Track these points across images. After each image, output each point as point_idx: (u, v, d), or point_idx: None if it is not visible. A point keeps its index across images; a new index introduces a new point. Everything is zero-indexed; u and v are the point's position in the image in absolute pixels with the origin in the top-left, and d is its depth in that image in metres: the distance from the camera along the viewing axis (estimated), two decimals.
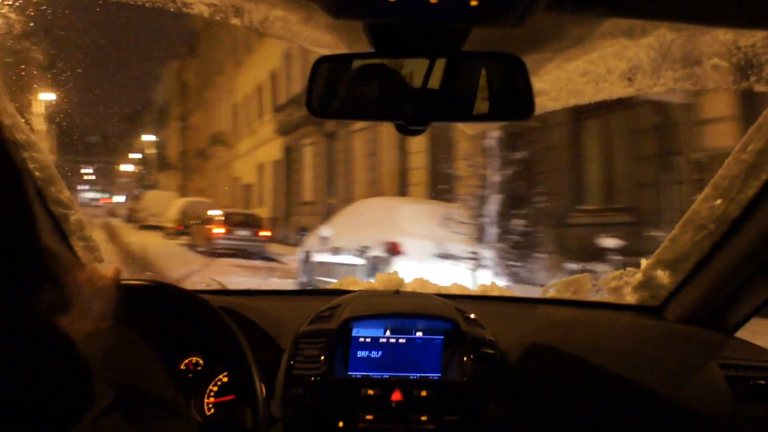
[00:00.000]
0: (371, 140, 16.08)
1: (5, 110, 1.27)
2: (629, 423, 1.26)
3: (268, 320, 1.33)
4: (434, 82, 0.99)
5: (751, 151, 1.28)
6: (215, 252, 15.42)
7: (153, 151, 55.90)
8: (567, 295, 2.02)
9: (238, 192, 28.14)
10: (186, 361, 1.16)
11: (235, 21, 1.22)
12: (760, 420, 1.25)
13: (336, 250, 8.90)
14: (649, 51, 1.24)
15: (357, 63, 0.99)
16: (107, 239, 21.06)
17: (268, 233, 16.62)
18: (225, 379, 1.14)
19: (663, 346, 1.41)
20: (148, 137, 56.27)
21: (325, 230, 9.61)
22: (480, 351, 1.23)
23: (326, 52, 1.05)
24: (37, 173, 1.29)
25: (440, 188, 12.05)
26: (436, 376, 1.22)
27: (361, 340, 1.24)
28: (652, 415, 1.25)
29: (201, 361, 1.17)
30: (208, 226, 16.45)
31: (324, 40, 1.14)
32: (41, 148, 1.31)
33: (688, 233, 1.46)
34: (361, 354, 1.23)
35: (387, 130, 15.36)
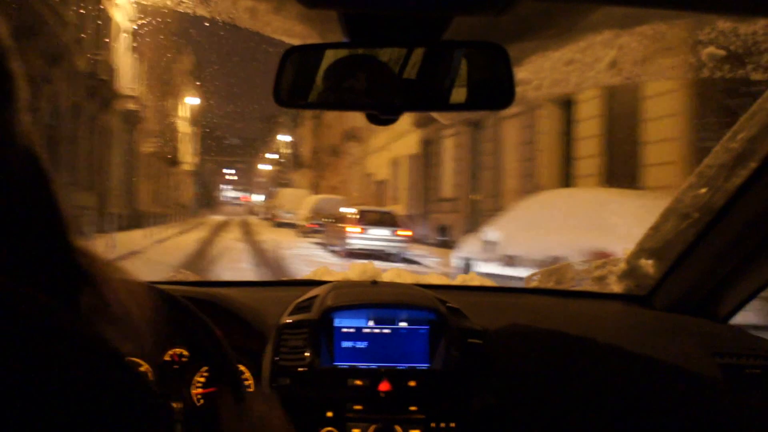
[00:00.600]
0: (527, 126, 13.74)
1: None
2: (622, 412, 1.23)
3: (247, 310, 1.28)
4: (411, 71, 0.92)
5: (741, 139, 1.27)
6: (350, 252, 13.84)
7: (287, 150, 57.63)
8: (549, 285, 2.27)
9: (371, 189, 27.30)
10: (171, 352, 1.14)
11: (201, 12, 1.20)
12: (754, 409, 1.23)
13: (509, 260, 6.73)
14: (641, 39, 1.18)
15: (329, 53, 0.92)
16: (241, 238, 20.76)
17: (409, 233, 14.63)
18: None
19: (655, 334, 1.38)
20: (283, 137, 58.16)
21: (490, 232, 7.49)
22: (467, 341, 1.22)
23: (298, 42, 1.02)
24: None
25: (622, 180, 9.65)
26: (424, 366, 1.20)
27: (344, 330, 1.22)
28: (645, 403, 1.22)
29: (186, 353, 1.14)
30: (341, 225, 14.88)
31: (296, 30, 1.08)
32: None
33: (671, 222, 1.47)
34: (345, 344, 1.21)
35: (548, 115, 13.08)
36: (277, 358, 1.17)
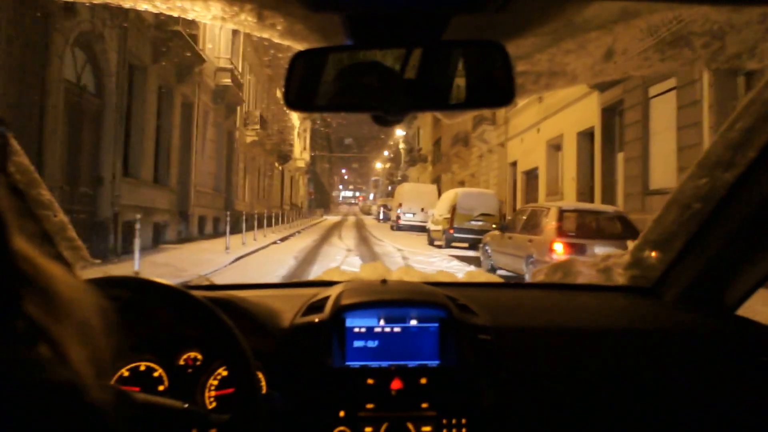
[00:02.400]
0: None
1: None
2: (634, 405, 1.19)
3: (260, 311, 1.25)
4: (412, 72, 0.93)
5: (739, 129, 1.25)
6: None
7: (403, 145, 52.19)
8: (556, 279, 2.27)
9: (515, 181, 20.70)
10: (185, 356, 1.15)
11: (209, 19, 1.14)
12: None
13: None
14: (635, 32, 1.14)
15: (334, 56, 0.94)
16: (356, 248, 14.92)
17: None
18: (224, 373, 1.12)
19: (665, 326, 1.35)
20: (398, 132, 52.82)
21: None
22: (477, 337, 1.20)
23: (303, 45, 1.03)
24: (18, 176, 1.24)
25: None
26: (434, 363, 1.18)
27: (356, 330, 1.20)
28: (657, 395, 1.20)
29: (199, 356, 1.14)
30: (530, 236, 8.35)
31: (301, 34, 1.04)
32: (20, 151, 1.17)
33: (673, 213, 1.45)
34: (357, 344, 1.19)
35: None
36: (289, 354, 1.16)
